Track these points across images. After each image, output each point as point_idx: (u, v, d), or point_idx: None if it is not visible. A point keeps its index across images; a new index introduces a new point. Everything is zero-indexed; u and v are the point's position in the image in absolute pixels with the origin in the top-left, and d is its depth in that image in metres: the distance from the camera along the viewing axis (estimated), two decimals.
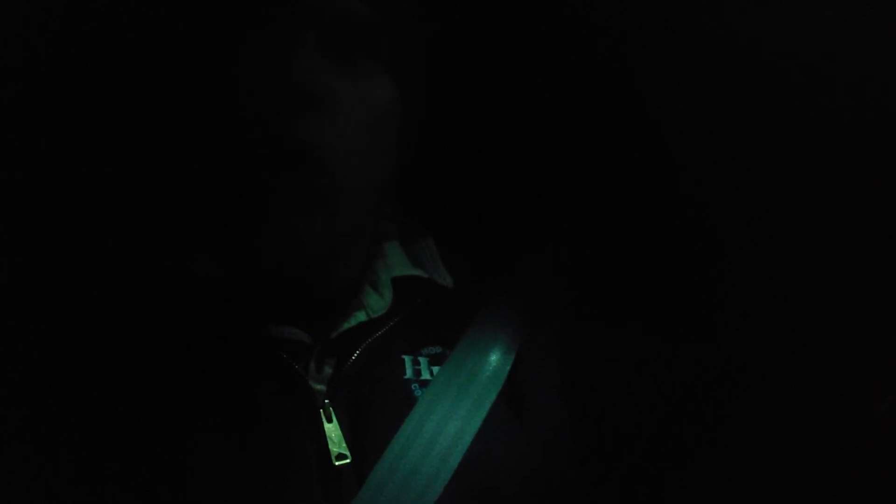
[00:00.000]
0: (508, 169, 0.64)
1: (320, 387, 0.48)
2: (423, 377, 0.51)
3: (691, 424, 0.48)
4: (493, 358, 0.51)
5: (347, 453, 0.46)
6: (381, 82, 0.47)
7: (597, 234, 0.59)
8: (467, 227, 0.61)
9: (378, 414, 0.48)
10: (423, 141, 0.53)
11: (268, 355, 0.47)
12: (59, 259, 0.49)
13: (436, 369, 0.51)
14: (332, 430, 0.46)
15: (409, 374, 0.51)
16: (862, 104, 0.41)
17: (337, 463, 0.45)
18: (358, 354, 0.49)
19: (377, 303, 0.52)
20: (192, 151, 0.46)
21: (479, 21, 0.63)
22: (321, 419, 0.47)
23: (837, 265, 0.42)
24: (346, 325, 0.50)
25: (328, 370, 0.49)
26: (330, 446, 0.46)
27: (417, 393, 0.50)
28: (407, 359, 0.51)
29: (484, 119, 0.65)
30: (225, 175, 0.44)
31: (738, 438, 0.46)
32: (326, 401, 0.47)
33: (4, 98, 0.49)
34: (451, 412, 0.48)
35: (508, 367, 0.51)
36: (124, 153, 0.51)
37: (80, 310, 0.47)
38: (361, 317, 0.51)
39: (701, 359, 0.49)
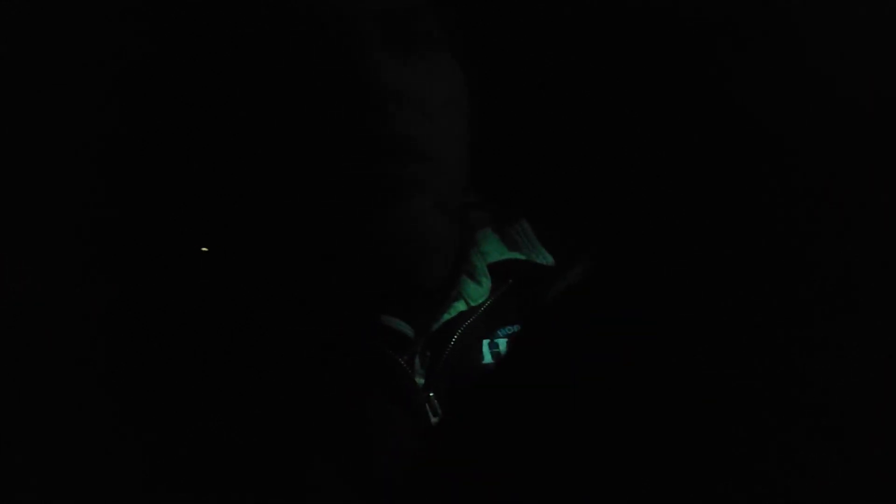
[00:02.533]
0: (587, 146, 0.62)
1: (421, 381, 0.48)
2: None
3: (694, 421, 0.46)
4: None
5: None
6: (445, 66, 0.50)
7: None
8: (555, 204, 0.60)
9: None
10: (492, 122, 0.54)
11: (374, 351, 0.48)
12: (173, 260, 0.51)
13: None
14: None
15: (487, 358, 0.51)
16: None
17: None
18: (454, 343, 0.49)
19: (476, 291, 0.52)
20: (301, 156, 0.47)
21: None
22: (428, 414, 0.47)
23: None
24: (446, 317, 0.50)
25: (428, 362, 0.49)
26: None
27: None
28: (485, 343, 0.51)
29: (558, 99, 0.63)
30: (337, 174, 0.46)
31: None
32: (431, 394, 0.47)
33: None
34: None
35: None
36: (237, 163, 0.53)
37: (195, 309, 0.48)
38: (461, 306, 0.51)
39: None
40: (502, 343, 0.51)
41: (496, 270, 0.53)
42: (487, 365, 0.50)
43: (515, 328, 0.52)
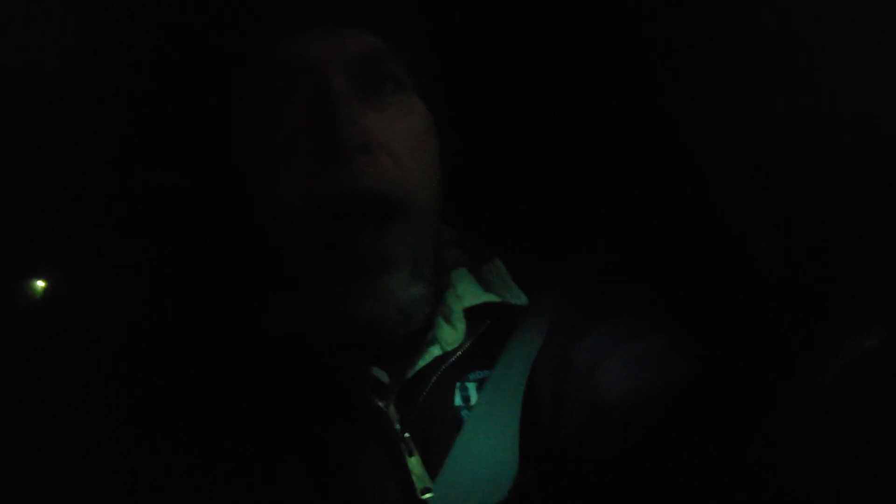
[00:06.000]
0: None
1: (397, 426, 0.48)
2: (472, 402, 0.51)
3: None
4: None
5: (431, 486, 0.46)
6: (411, 106, 0.50)
7: (627, 243, 0.58)
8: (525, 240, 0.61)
9: (439, 444, 0.48)
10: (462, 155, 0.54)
11: (351, 394, 0.48)
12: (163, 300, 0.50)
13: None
14: (415, 464, 0.47)
15: (458, 401, 0.51)
16: None
17: (423, 497, 0.46)
18: (428, 391, 0.49)
19: (451, 335, 0.51)
20: (270, 215, 0.47)
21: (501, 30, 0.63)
22: (403, 454, 0.47)
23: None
24: (421, 363, 0.50)
25: (403, 408, 0.49)
26: (415, 481, 0.46)
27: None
28: (457, 385, 0.52)
29: (516, 129, 0.65)
30: (307, 232, 0.46)
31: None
32: (407, 435, 0.48)
33: None
34: (492, 438, 0.48)
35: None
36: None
37: (178, 348, 0.48)
38: (436, 351, 0.51)
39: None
40: (472, 387, 0.52)
41: (471, 313, 0.53)
42: (458, 407, 0.51)
43: (486, 373, 0.52)
